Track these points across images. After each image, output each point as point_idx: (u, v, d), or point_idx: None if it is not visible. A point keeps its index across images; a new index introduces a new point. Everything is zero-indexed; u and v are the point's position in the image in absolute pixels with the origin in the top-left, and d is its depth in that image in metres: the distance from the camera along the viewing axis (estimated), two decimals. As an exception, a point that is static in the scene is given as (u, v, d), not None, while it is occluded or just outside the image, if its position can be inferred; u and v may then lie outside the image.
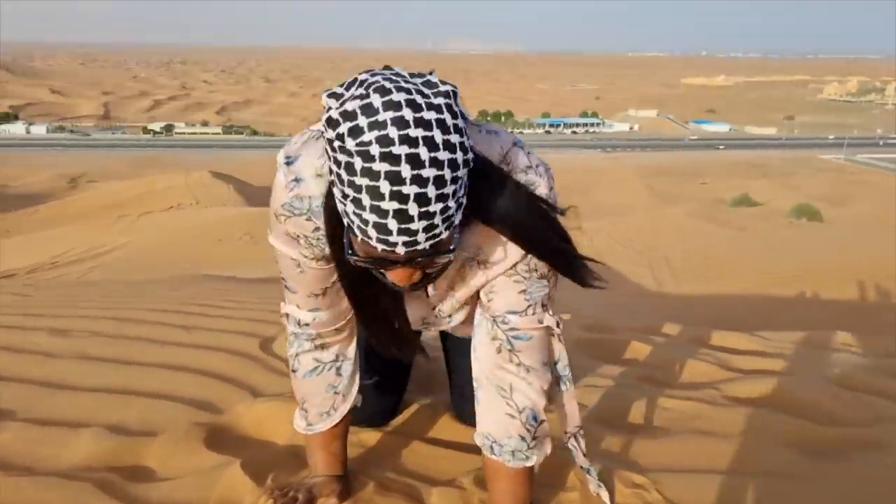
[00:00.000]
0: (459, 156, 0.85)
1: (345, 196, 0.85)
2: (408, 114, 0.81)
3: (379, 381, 1.55)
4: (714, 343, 2.65)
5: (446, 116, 0.84)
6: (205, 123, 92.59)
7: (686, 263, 15.87)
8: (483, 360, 1.18)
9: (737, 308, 11.30)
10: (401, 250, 0.86)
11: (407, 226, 0.84)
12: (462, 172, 0.87)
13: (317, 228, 1.06)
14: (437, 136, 0.82)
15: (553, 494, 1.39)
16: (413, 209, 0.83)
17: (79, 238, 14.81)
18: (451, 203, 0.86)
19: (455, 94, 0.87)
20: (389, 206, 0.82)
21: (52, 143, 73.64)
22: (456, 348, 1.60)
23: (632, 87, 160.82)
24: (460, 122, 0.86)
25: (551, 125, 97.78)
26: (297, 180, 1.03)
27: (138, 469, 1.46)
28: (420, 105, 0.82)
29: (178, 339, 2.37)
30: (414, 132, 0.80)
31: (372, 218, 0.84)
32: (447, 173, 0.83)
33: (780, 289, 12.74)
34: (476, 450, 1.54)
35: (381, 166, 0.80)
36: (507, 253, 1.09)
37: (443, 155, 0.82)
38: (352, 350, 1.30)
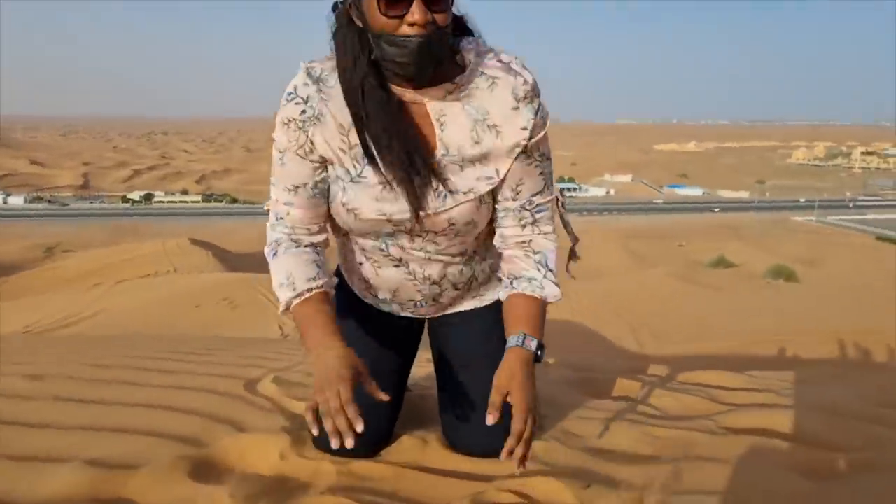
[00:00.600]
0: None
1: None
2: None
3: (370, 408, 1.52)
4: (703, 381, 2.64)
5: None
6: (184, 192, 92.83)
7: (667, 325, 15.92)
8: (508, 235, 1.35)
9: (720, 365, 11.37)
10: None
11: None
12: None
13: (304, 111, 1.23)
14: None
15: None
16: None
17: (51, 307, 14.52)
18: None
19: None
20: None
21: (29, 213, 73.27)
22: (449, 365, 1.57)
23: (607, 153, 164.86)
24: None
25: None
26: (295, 89, 1.25)
27: (121, 500, 1.40)
28: None
29: (159, 382, 2.30)
30: None
31: None
32: None
33: (761, 348, 12.82)
34: (471, 477, 1.51)
35: None
36: (512, 120, 1.25)
37: None
38: (324, 250, 1.38)
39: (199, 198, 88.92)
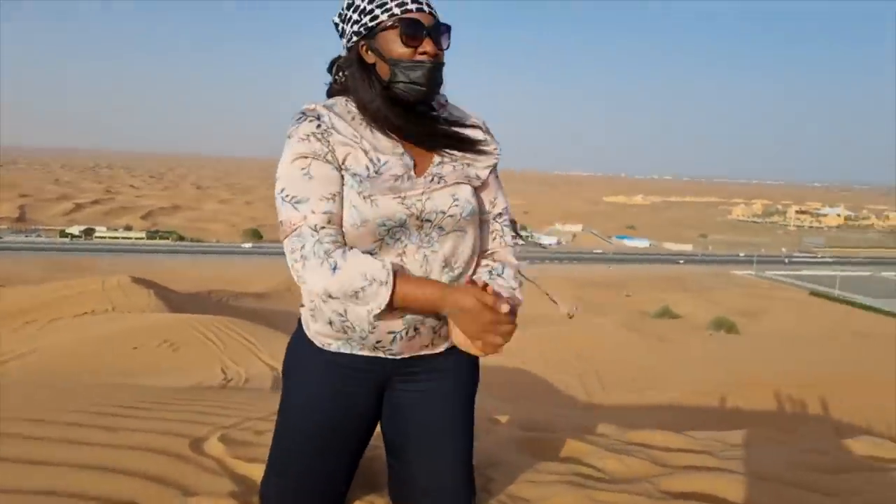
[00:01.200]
0: None
1: (378, 3, 1.38)
2: None
3: (325, 476, 1.53)
4: (646, 441, 2.71)
5: None
6: (128, 228, 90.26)
7: (614, 375, 16.20)
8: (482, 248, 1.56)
9: (664, 418, 11.55)
10: (426, 8, 1.38)
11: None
12: None
13: (319, 125, 1.38)
14: None
15: None
16: None
17: (-22, 346, 13.81)
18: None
19: None
20: None
21: (-41, 245, 69.97)
22: (405, 437, 1.56)
23: (558, 203, 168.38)
24: None
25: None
26: (304, 112, 1.42)
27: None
28: None
29: (99, 440, 2.24)
30: None
31: None
32: None
33: (704, 398, 13.16)
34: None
35: None
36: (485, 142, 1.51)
37: None
38: None
39: (143, 234, 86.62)
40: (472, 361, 1.59)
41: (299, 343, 1.54)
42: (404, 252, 1.39)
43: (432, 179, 1.42)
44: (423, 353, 1.50)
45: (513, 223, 1.61)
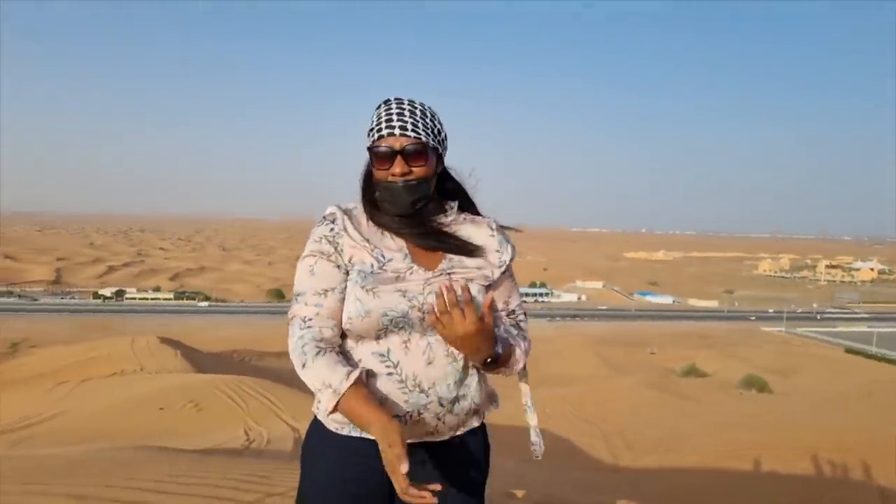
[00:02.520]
0: (437, 118, 1.56)
1: (369, 128, 1.52)
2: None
3: None
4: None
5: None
6: (157, 289, 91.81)
7: (640, 436, 15.81)
8: None
9: (694, 483, 11.20)
10: (397, 131, 1.47)
11: (402, 118, 1.48)
12: (439, 126, 1.55)
13: (332, 229, 1.54)
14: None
15: None
16: (406, 112, 1.50)
17: (12, 407, 14.05)
18: (430, 125, 1.51)
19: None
20: (393, 109, 1.50)
21: (-4, 307, 71.45)
22: None
23: (578, 259, 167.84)
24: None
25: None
26: (325, 216, 1.58)
27: None
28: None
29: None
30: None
31: (384, 116, 1.49)
32: (428, 112, 1.53)
33: (736, 462, 12.72)
34: None
35: (389, 99, 1.53)
36: (490, 242, 1.60)
37: (422, 105, 1.54)
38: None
39: (171, 295, 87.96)
40: (482, 448, 1.63)
41: (313, 430, 1.60)
42: (409, 339, 1.49)
43: (440, 275, 1.51)
44: (427, 439, 1.54)
45: (525, 316, 1.69)
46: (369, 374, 1.50)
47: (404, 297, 1.47)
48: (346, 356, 1.52)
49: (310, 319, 1.50)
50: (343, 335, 1.54)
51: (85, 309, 73.89)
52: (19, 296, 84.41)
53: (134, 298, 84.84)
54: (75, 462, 3.86)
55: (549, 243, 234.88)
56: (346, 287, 1.53)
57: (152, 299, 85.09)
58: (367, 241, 1.53)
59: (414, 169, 1.50)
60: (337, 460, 1.55)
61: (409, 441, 1.48)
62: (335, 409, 1.43)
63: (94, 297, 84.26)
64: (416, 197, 1.52)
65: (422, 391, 1.48)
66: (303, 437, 1.68)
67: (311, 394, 1.50)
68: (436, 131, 1.55)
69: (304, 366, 1.47)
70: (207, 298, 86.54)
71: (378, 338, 1.48)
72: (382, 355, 1.49)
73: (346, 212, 1.59)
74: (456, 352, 1.50)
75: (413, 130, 1.50)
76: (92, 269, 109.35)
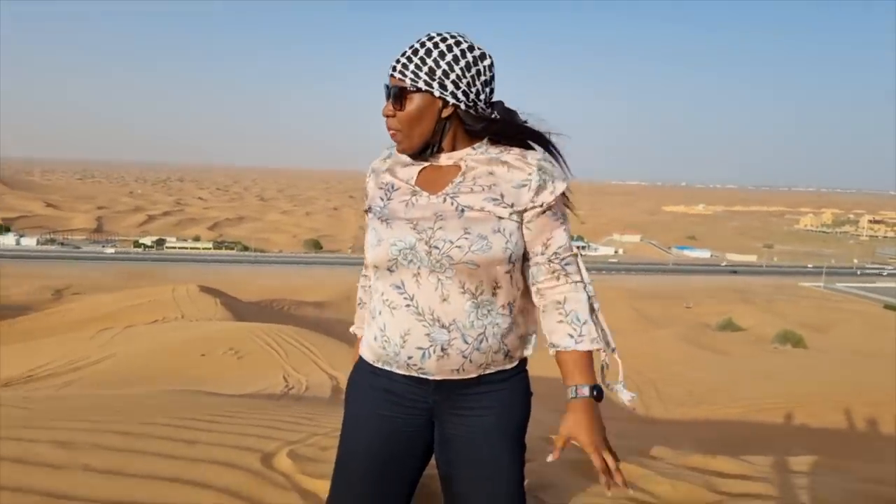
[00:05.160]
0: (453, 56, 1.45)
1: None
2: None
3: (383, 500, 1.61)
4: (701, 466, 2.72)
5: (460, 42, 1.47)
6: (196, 238, 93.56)
7: (674, 388, 15.84)
8: (545, 290, 1.57)
9: (724, 435, 11.24)
10: (390, 71, 1.47)
11: (400, 57, 1.45)
12: (447, 67, 1.44)
13: (368, 177, 1.63)
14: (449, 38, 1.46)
15: None
16: (409, 50, 1.45)
17: (58, 351, 14.59)
18: (430, 65, 1.44)
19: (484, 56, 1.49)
20: (407, 47, 1.47)
21: (41, 254, 73.74)
22: (455, 469, 1.58)
23: (615, 213, 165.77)
24: (468, 55, 1.46)
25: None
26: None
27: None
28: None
29: (181, 453, 2.41)
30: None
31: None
32: (436, 51, 1.44)
33: (767, 415, 12.71)
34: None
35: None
36: (522, 160, 1.52)
37: (445, 42, 1.45)
38: None
39: (210, 244, 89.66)
40: (523, 393, 1.61)
41: (356, 369, 1.65)
42: (419, 273, 1.47)
43: (445, 200, 1.49)
44: (455, 377, 1.52)
45: (574, 258, 1.58)
46: (391, 306, 1.53)
47: (414, 229, 1.47)
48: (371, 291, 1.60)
49: (365, 268, 1.65)
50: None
51: (126, 257, 75.81)
52: (62, 243, 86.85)
53: (174, 248, 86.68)
54: (122, 401, 4.03)
55: (586, 196, 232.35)
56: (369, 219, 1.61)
57: (192, 248, 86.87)
58: (384, 179, 1.59)
59: (398, 112, 1.49)
60: (374, 396, 1.58)
61: (437, 378, 1.52)
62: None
63: (134, 246, 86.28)
64: (404, 147, 1.53)
65: (443, 326, 1.47)
66: (340, 384, 1.72)
67: (348, 342, 1.55)
68: (438, 73, 1.47)
69: (360, 305, 1.74)
70: (246, 248, 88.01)
71: (391, 269, 1.49)
72: (398, 287, 1.49)
73: (389, 156, 1.64)
74: (474, 288, 1.47)
75: (400, 72, 1.48)
76: (132, 217, 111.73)
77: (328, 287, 46.99)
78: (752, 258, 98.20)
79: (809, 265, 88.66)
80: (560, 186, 1.54)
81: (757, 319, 42.34)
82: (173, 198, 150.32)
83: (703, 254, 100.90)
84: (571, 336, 1.52)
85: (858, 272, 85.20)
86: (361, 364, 1.64)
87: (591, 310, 1.56)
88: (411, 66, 1.46)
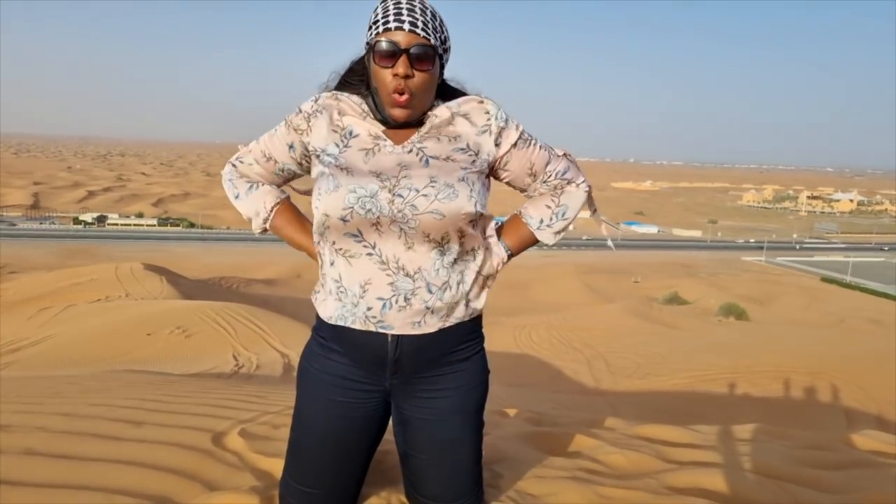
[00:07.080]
0: (445, 23, 1.44)
1: (373, 20, 1.41)
2: None
3: (337, 477, 1.60)
4: (651, 436, 2.78)
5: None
6: (140, 215, 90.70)
7: (622, 361, 16.24)
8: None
9: (670, 405, 11.62)
10: (406, 26, 1.36)
11: (413, 14, 1.37)
12: (446, 33, 1.44)
13: (313, 106, 1.51)
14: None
15: None
16: (417, 8, 1.38)
17: (-3, 332, 14.03)
18: (438, 29, 1.41)
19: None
20: (403, 3, 1.38)
21: (-27, 232, 70.52)
22: (415, 441, 1.60)
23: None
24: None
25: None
26: (316, 97, 1.54)
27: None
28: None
29: (128, 435, 2.34)
30: None
31: (392, 8, 1.38)
32: (438, 15, 1.43)
33: (711, 386, 13.19)
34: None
35: None
36: (479, 110, 1.51)
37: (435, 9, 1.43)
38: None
39: (154, 221, 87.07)
40: (481, 372, 1.60)
41: (306, 355, 1.60)
42: (378, 222, 1.40)
43: (411, 150, 1.45)
44: (414, 332, 1.47)
45: (565, 159, 1.61)
46: (348, 255, 1.45)
47: (377, 178, 1.41)
48: (321, 256, 1.53)
49: (240, 161, 1.64)
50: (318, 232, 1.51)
51: (66, 234, 72.97)
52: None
53: (116, 224, 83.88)
54: (64, 382, 3.90)
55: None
56: (287, 168, 1.58)
57: (135, 225, 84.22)
58: (341, 119, 1.50)
59: (418, 72, 1.38)
60: (328, 382, 1.55)
61: (396, 332, 1.46)
62: (264, 231, 1.65)
63: (74, 223, 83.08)
64: (408, 114, 1.43)
65: (407, 275, 1.42)
66: (291, 362, 1.69)
67: (300, 319, 1.49)
68: (442, 38, 1.44)
69: (236, 197, 1.66)
70: (192, 225, 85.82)
71: (344, 219, 1.40)
72: (355, 235, 1.42)
73: (339, 99, 1.52)
74: (440, 238, 1.43)
75: (423, 30, 1.38)
76: (71, 193, 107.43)
77: (278, 264, 46.33)
78: (697, 233, 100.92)
79: (752, 240, 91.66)
80: (518, 124, 1.54)
81: (702, 293, 43.65)
82: (114, 173, 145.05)
83: (651, 229, 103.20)
84: (542, 220, 1.62)
85: (798, 246, 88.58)
86: (314, 344, 1.59)
87: (594, 210, 1.73)
88: (430, 28, 1.39)
